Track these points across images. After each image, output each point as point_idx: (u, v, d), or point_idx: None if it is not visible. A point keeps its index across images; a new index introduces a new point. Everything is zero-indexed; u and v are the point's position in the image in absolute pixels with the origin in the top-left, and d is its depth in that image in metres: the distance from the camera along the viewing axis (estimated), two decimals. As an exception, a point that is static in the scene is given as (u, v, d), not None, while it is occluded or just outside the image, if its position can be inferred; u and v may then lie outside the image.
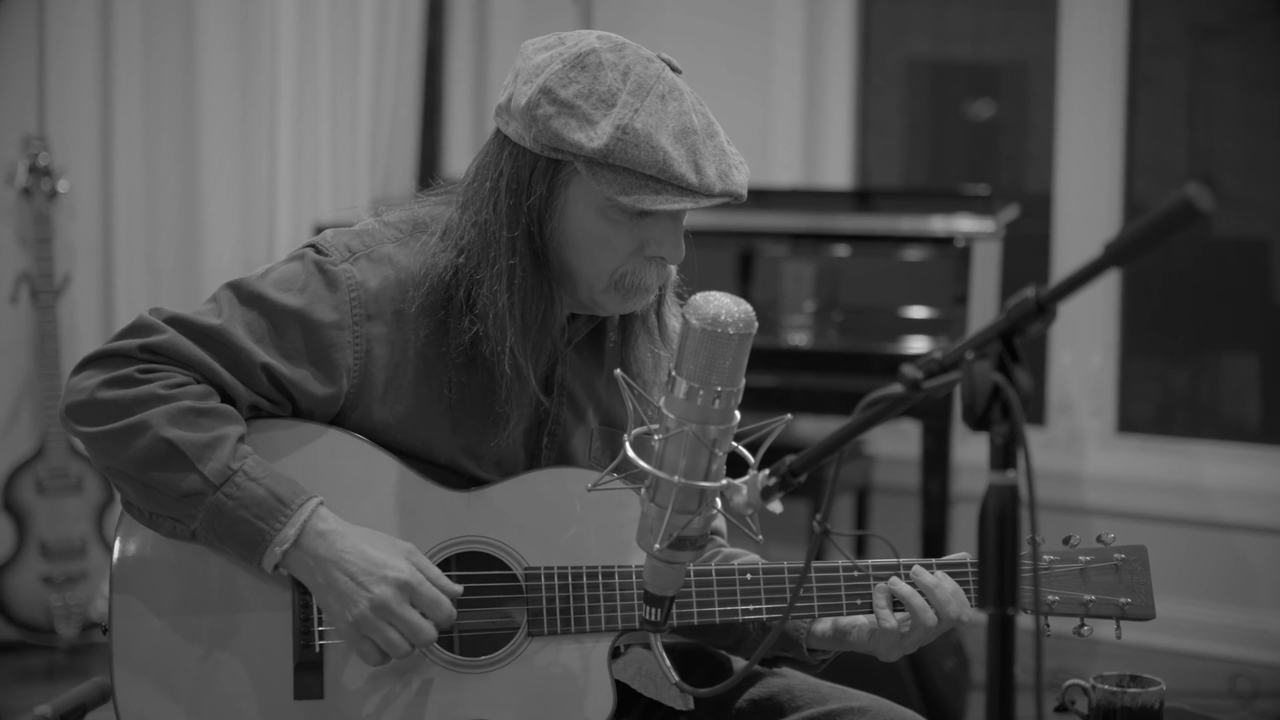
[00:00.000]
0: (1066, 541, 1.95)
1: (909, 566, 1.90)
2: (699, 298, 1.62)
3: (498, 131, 1.87)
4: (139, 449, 1.78)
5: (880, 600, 1.88)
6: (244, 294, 1.88)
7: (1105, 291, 4.73)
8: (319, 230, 4.55)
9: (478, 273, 1.86)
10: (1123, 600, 1.92)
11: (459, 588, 1.83)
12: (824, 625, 1.93)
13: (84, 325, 4.43)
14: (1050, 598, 1.91)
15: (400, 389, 1.89)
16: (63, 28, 4.35)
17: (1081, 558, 1.93)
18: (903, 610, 1.87)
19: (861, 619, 1.91)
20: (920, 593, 1.87)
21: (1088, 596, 1.91)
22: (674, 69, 1.85)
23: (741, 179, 1.83)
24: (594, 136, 1.76)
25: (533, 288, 1.85)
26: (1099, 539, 1.94)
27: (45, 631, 4.18)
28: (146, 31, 4.46)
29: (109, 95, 4.43)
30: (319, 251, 1.91)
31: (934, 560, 1.91)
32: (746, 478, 1.62)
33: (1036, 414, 4.82)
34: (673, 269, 1.92)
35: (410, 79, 5.10)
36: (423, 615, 1.80)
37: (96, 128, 4.45)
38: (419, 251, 1.91)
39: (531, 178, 1.82)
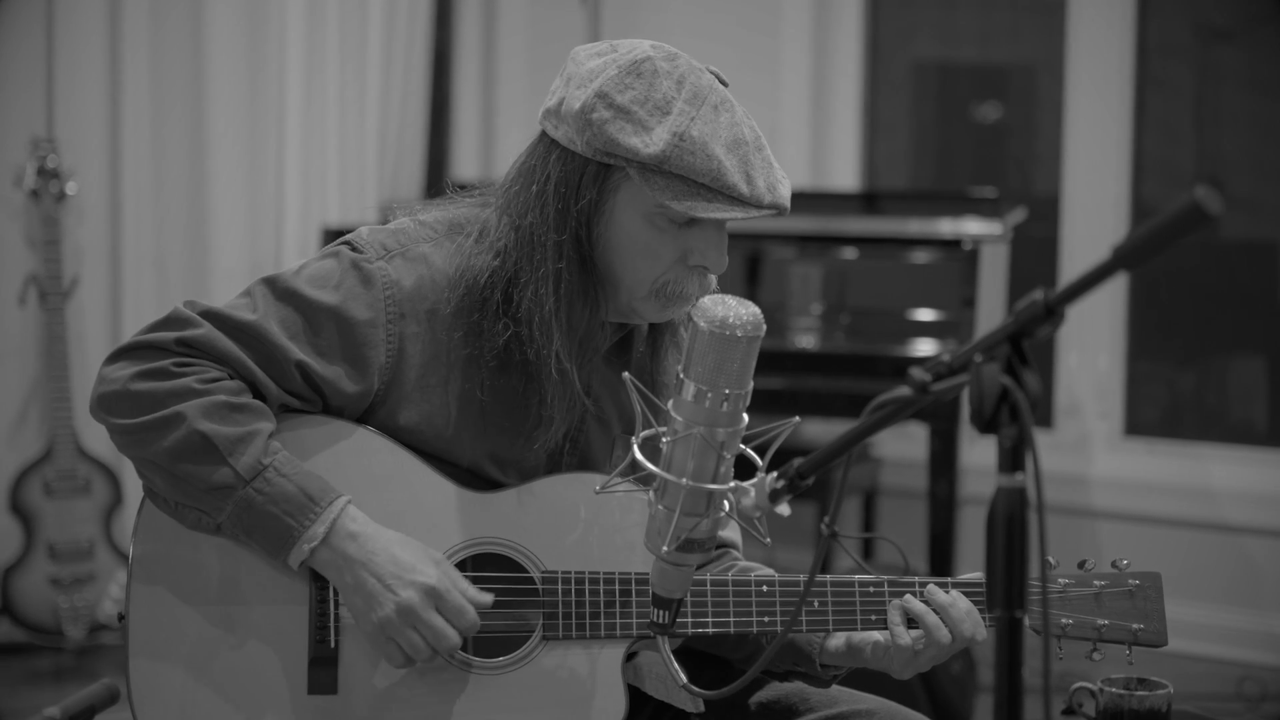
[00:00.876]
0: (1081, 565, 1.95)
1: (925, 584, 1.90)
2: (706, 300, 1.62)
3: (544, 135, 1.87)
4: (173, 441, 1.79)
5: (895, 617, 1.88)
6: (279, 290, 1.88)
7: (1112, 294, 4.73)
8: (327, 233, 4.58)
9: (520, 276, 1.86)
10: (1135, 626, 1.92)
11: (489, 597, 1.84)
12: (837, 641, 1.93)
13: (92, 327, 4.43)
14: (1064, 621, 1.91)
15: (429, 388, 1.90)
16: (70, 29, 4.36)
17: (1096, 582, 1.93)
18: (917, 628, 1.87)
19: (875, 635, 1.90)
20: (935, 611, 1.87)
21: (1101, 621, 1.91)
22: (722, 81, 1.85)
23: (786, 193, 1.84)
24: (650, 142, 1.76)
25: (579, 292, 1.85)
26: (1113, 564, 1.94)
27: (53, 633, 4.19)
28: (154, 33, 4.47)
29: (117, 97, 4.44)
30: (354, 249, 1.91)
31: (949, 579, 1.91)
32: (754, 480, 1.62)
33: (1044, 417, 4.82)
34: (713, 279, 1.92)
35: (418, 79, 5.10)
36: (448, 622, 1.80)
37: (105, 130, 4.45)
38: (455, 253, 1.91)
39: (581, 182, 1.82)
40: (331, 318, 1.86)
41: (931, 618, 1.86)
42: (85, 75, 4.39)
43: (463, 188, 2.02)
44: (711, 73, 1.85)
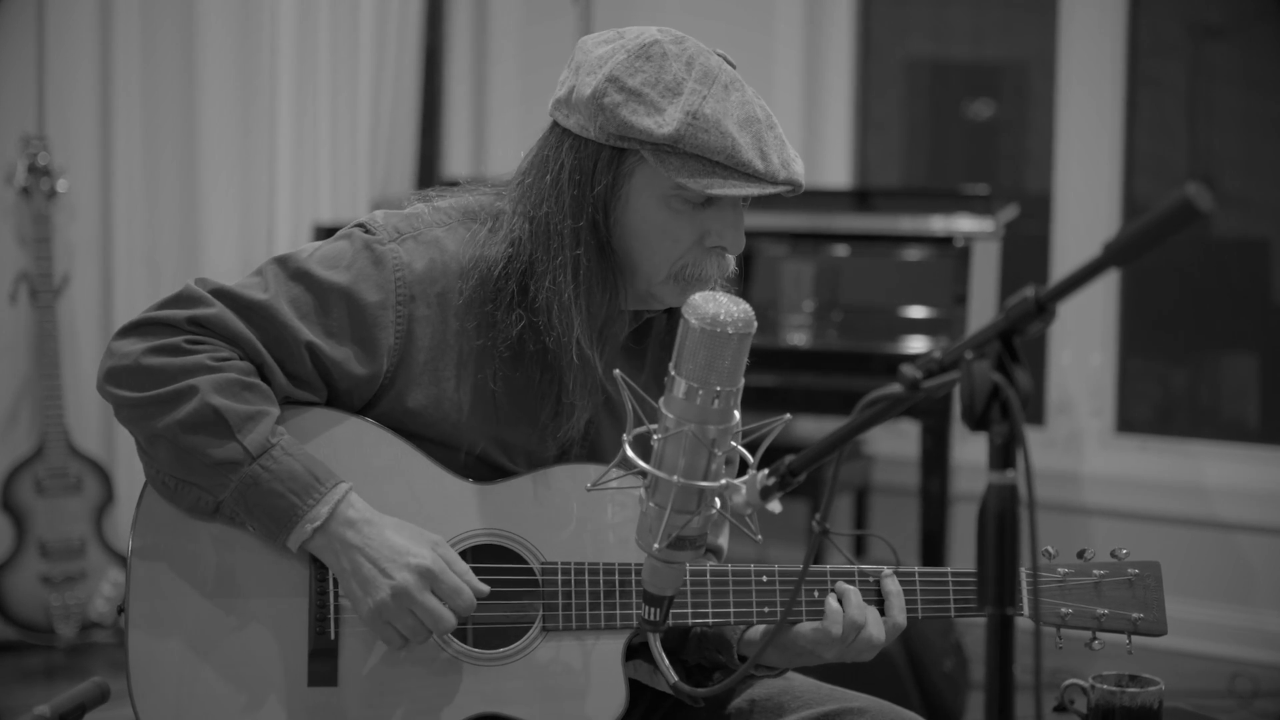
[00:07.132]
0: (1081, 555, 1.95)
1: (909, 572, 1.89)
2: (698, 297, 1.62)
3: (555, 125, 1.88)
4: (184, 413, 1.79)
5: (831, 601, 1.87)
6: (291, 269, 1.88)
7: (1105, 291, 4.74)
8: (319, 231, 4.57)
9: (535, 266, 1.86)
10: (1135, 615, 1.92)
11: (486, 588, 1.83)
12: (754, 632, 1.92)
13: (83, 325, 4.43)
14: (1064, 610, 1.92)
15: (438, 373, 1.90)
16: (62, 27, 4.35)
17: (1096, 571, 1.93)
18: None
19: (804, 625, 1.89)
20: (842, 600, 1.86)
21: (1101, 610, 1.92)
22: (730, 63, 1.86)
23: (800, 169, 1.85)
24: (663, 123, 1.77)
25: (598, 278, 1.85)
26: (1113, 554, 1.94)
27: (44, 631, 4.19)
28: (146, 31, 4.46)
29: (108, 95, 4.43)
30: (367, 230, 1.91)
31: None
32: (746, 477, 1.62)
33: (1036, 414, 4.82)
34: (731, 261, 1.92)
35: (409, 79, 5.10)
36: (444, 603, 1.80)
37: (96, 127, 4.44)
38: (469, 241, 1.91)
39: (595, 168, 1.83)
40: (342, 298, 1.86)
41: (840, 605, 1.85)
42: (77, 73, 4.39)
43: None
44: (719, 55, 1.86)
